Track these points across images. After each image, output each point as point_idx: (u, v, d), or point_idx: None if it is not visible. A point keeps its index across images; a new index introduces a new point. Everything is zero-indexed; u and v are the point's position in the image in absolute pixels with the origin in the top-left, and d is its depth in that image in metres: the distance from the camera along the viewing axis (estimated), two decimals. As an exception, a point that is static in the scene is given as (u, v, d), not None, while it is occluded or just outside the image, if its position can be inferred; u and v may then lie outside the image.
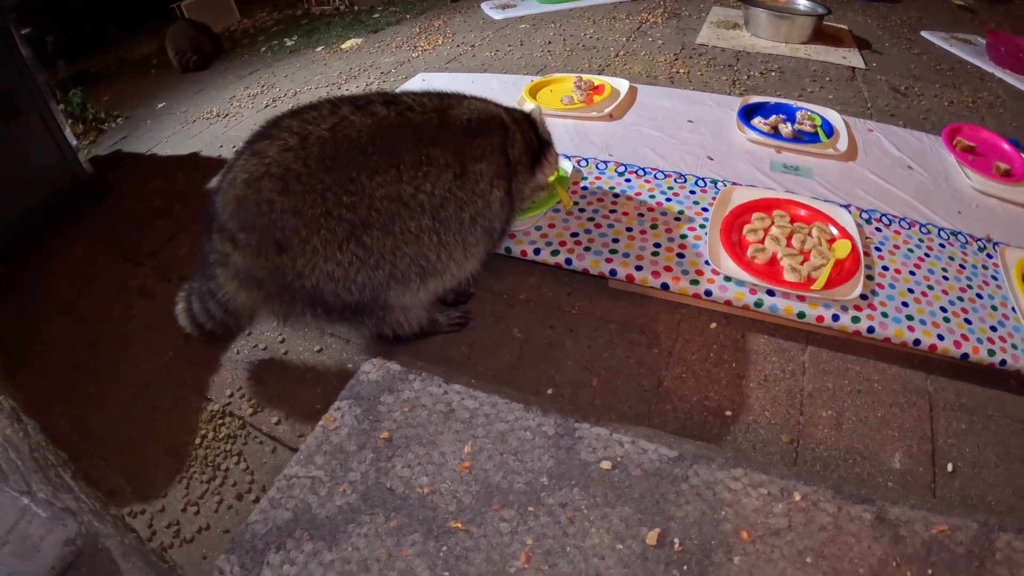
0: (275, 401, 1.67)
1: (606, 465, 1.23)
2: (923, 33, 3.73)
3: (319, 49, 3.97)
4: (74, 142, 2.52)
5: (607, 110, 2.55)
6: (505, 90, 2.77)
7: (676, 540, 1.12)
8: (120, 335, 1.95)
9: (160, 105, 3.47)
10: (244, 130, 2.94)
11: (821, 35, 3.50)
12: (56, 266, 2.26)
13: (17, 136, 2.33)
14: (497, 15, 4.07)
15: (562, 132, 2.43)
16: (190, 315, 1.69)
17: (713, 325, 1.78)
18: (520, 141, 1.69)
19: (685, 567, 1.08)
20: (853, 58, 3.32)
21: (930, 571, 1.10)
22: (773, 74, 3.14)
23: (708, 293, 1.72)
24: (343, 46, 3.93)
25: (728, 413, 1.56)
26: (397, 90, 2.86)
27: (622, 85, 2.72)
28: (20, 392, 1.65)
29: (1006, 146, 2.39)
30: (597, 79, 2.77)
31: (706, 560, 1.09)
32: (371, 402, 1.37)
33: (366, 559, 1.11)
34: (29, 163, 2.39)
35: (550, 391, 1.61)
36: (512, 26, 3.92)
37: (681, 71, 3.15)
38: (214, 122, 3.16)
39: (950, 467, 1.46)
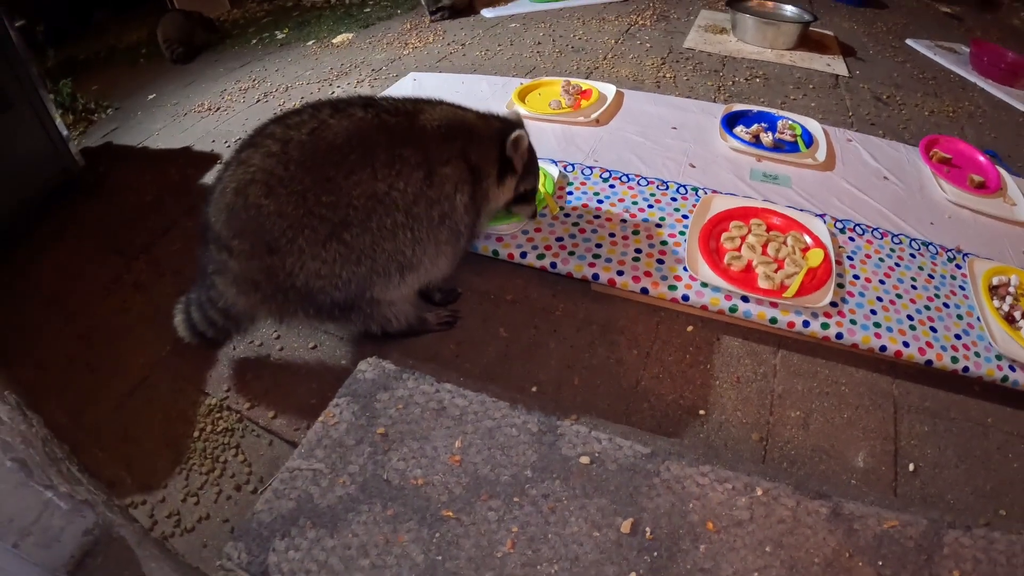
0: (271, 396, 1.74)
1: (585, 460, 1.35)
2: (908, 41, 3.85)
3: (310, 43, 4.00)
4: (65, 133, 2.54)
5: (594, 115, 2.65)
6: (495, 92, 2.87)
7: (648, 529, 1.23)
8: (114, 329, 1.99)
9: (150, 97, 3.50)
10: (236, 124, 3.02)
11: (807, 41, 3.62)
12: (47, 260, 2.30)
13: (8, 128, 2.35)
14: (488, 13, 4.15)
15: (549, 136, 2.53)
16: (189, 325, 1.78)
17: (690, 328, 1.88)
18: (481, 152, 1.74)
19: (655, 553, 1.20)
20: (837, 65, 3.43)
21: (880, 562, 1.21)
22: (758, 80, 3.25)
23: (685, 298, 1.83)
24: (334, 41, 3.97)
25: (702, 412, 1.66)
26: (388, 89, 2.96)
27: (609, 90, 2.81)
28: (16, 386, 1.65)
29: (981, 158, 2.50)
30: (585, 83, 2.86)
31: (675, 547, 1.21)
32: (367, 399, 1.47)
33: (365, 545, 1.22)
34: (20, 156, 2.41)
35: (534, 388, 1.70)
36: (503, 25, 3.99)
37: (668, 75, 3.25)
38: (205, 116, 3.20)
39: (912, 467, 1.56)
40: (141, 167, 2.86)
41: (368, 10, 4.47)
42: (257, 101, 3.31)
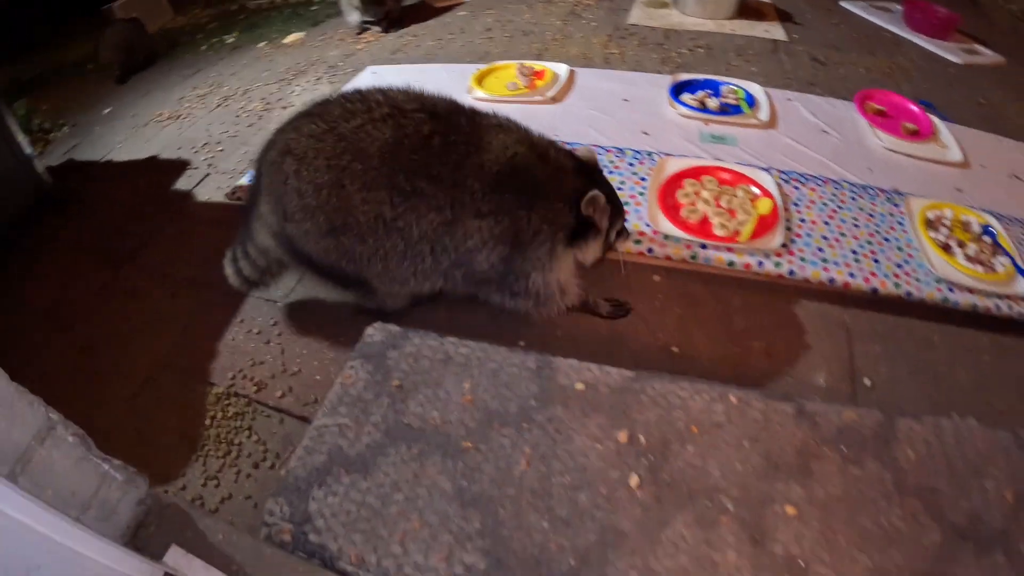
0: (276, 378, 1.87)
1: (580, 386, 1.56)
2: (842, 3, 4.10)
3: (262, 45, 4.09)
4: (29, 151, 2.61)
5: (549, 94, 2.84)
6: (453, 80, 3.03)
7: (642, 437, 1.45)
8: (113, 337, 2.07)
9: (106, 110, 3.54)
10: (199, 131, 3.11)
11: (745, 10, 3.86)
12: (35, 276, 2.37)
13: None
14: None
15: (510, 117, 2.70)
16: (236, 270, 1.95)
17: (656, 278, 2.09)
18: (544, 214, 1.61)
19: (651, 457, 1.41)
20: (775, 31, 3.68)
21: (843, 447, 1.43)
22: (701, 51, 3.48)
23: (650, 251, 2.05)
24: (285, 41, 4.07)
25: (675, 350, 1.87)
26: (347, 84, 3.08)
27: (562, 69, 3.01)
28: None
29: (914, 107, 2.75)
30: (538, 65, 3.05)
31: (667, 450, 1.43)
32: (380, 359, 1.65)
33: (397, 481, 1.39)
34: (-10, 178, 2.45)
35: (522, 343, 1.87)
36: (452, 14, 4.15)
37: (615, 52, 3.46)
38: (167, 124, 3.26)
39: (868, 382, 1.77)
40: (110, 179, 2.92)
41: (315, 8, 4.56)
42: (217, 106, 3.38)
